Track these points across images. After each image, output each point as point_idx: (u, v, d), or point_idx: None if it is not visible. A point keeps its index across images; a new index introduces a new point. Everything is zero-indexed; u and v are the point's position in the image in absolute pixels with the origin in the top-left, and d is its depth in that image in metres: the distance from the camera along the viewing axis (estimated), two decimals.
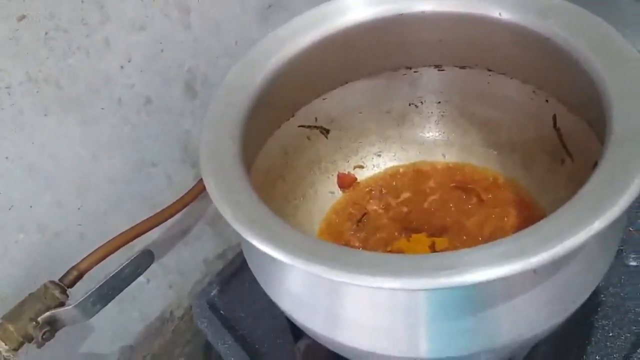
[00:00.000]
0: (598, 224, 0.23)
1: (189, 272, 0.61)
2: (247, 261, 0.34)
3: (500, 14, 0.34)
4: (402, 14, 0.36)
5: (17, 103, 0.41)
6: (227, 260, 0.64)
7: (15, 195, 0.43)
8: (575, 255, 0.27)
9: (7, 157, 0.41)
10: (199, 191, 0.55)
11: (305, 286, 0.29)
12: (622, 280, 0.40)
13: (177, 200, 0.53)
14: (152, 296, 0.58)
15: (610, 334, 0.37)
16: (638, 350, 0.36)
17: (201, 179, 0.55)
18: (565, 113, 0.37)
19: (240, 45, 0.55)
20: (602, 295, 0.39)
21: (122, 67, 0.46)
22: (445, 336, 0.27)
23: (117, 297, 0.46)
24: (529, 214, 0.39)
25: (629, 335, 0.37)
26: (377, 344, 0.28)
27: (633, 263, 0.40)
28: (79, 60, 0.43)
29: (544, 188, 0.39)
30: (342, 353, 0.31)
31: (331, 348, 0.31)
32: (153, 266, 0.49)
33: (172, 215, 0.52)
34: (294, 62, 0.36)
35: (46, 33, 0.41)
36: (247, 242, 0.27)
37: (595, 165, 0.31)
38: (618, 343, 0.36)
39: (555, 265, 0.27)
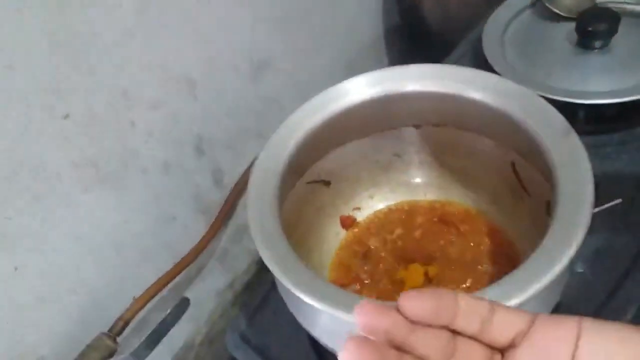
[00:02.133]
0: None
1: (203, 303, 0.69)
2: (287, 304, 0.43)
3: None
4: (389, 94, 0.46)
5: (65, 187, 0.48)
6: (235, 288, 0.72)
7: (64, 263, 0.50)
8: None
9: (60, 232, 0.48)
10: (211, 236, 0.62)
11: (332, 324, 0.38)
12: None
13: (195, 247, 0.61)
14: (175, 329, 0.65)
15: None
16: None
17: (212, 224, 0.63)
18: (521, 161, 0.47)
19: (237, 104, 0.63)
20: None
21: (145, 141, 0.53)
22: None
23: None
24: (500, 241, 0.49)
25: None
26: None
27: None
28: (112, 143, 0.50)
29: (511, 218, 0.49)
30: None
31: None
32: None
33: (192, 261, 0.60)
34: (307, 139, 0.45)
35: (86, 124, 0.48)
36: (295, 295, 0.36)
37: (547, 204, 0.42)
38: None
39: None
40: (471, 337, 0.24)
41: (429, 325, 0.23)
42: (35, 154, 0.45)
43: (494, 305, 0.24)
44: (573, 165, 0.38)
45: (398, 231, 0.52)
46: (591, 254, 0.50)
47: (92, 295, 0.53)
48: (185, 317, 0.67)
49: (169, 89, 0.54)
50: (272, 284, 0.51)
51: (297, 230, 0.50)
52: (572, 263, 0.51)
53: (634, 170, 0.54)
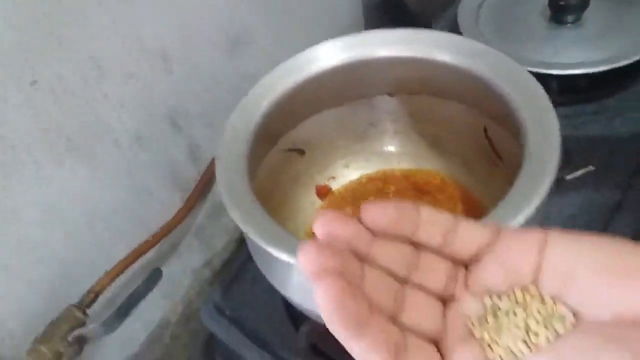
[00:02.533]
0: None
1: (179, 281, 0.68)
2: (259, 265, 0.42)
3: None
4: (362, 60, 0.45)
5: (34, 158, 0.47)
6: (213, 266, 0.71)
7: (33, 234, 0.49)
8: None
9: (28, 202, 0.48)
10: (186, 211, 0.62)
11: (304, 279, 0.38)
12: None
13: (169, 221, 0.60)
14: (150, 306, 0.65)
15: None
16: None
17: (187, 199, 0.63)
18: (493, 125, 0.47)
19: (214, 79, 0.62)
20: None
21: (117, 113, 0.53)
22: None
23: None
24: (475, 208, 0.49)
25: None
26: None
27: None
28: (83, 113, 0.50)
29: (485, 185, 0.50)
30: None
31: None
32: None
33: (165, 235, 0.59)
34: (279, 103, 0.45)
35: (55, 93, 0.47)
36: (265, 251, 0.36)
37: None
38: None
39: None
40: (434, 251, 0.23)
41: (392, 238, 0.23)
42: (1, 122, 0.44)
43: (457, 218, 0.23)
44: (540, 122, 0.38)
45: (373, 200, 0.52)
46: (565, 219, 0.51)
47: (63, 268, 0.52)
48: (160, 294, 0.66)
49: (143, 61, 0.53)
50: (248, 255, 0.50)
51: (272, 199, 0.50)
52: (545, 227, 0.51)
53: (606, 138, 0.55)
